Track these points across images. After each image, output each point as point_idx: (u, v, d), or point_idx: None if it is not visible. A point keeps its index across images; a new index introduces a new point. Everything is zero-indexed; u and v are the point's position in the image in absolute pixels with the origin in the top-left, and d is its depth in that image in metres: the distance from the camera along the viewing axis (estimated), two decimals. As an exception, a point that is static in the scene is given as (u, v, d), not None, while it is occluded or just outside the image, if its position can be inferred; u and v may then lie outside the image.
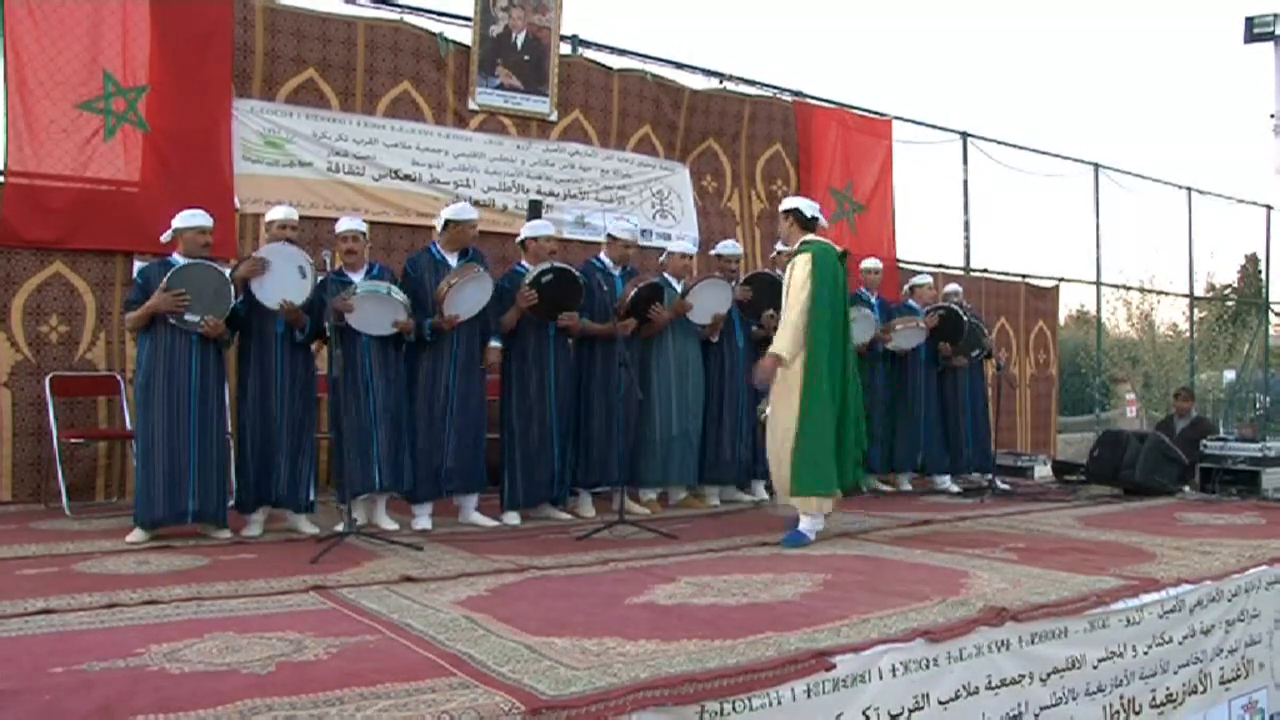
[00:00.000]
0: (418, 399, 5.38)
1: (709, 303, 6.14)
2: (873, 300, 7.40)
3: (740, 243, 7.72)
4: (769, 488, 6.80)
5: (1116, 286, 14.88)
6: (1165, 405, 15.10)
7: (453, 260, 5.43)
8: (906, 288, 8.03)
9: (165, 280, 4.73)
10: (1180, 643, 3.76)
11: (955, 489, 7.47)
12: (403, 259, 7.14)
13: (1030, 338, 11.76)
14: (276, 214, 5.31)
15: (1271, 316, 16.85)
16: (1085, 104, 69.94)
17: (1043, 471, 8.44)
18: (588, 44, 8.56)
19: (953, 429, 7.67)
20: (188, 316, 4.76)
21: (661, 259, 6.66)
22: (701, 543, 4.87)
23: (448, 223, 5.49)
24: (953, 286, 8.13)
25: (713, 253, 6.87)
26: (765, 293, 6.32)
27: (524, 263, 5.76)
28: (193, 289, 4.76)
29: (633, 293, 5.78)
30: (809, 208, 5.14)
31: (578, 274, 5.57)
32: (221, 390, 5.09)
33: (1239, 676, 4.05)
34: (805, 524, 4.90)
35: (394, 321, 5.14)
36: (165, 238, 5.01)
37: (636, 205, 8.64)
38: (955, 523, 5.76)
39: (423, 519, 5.33)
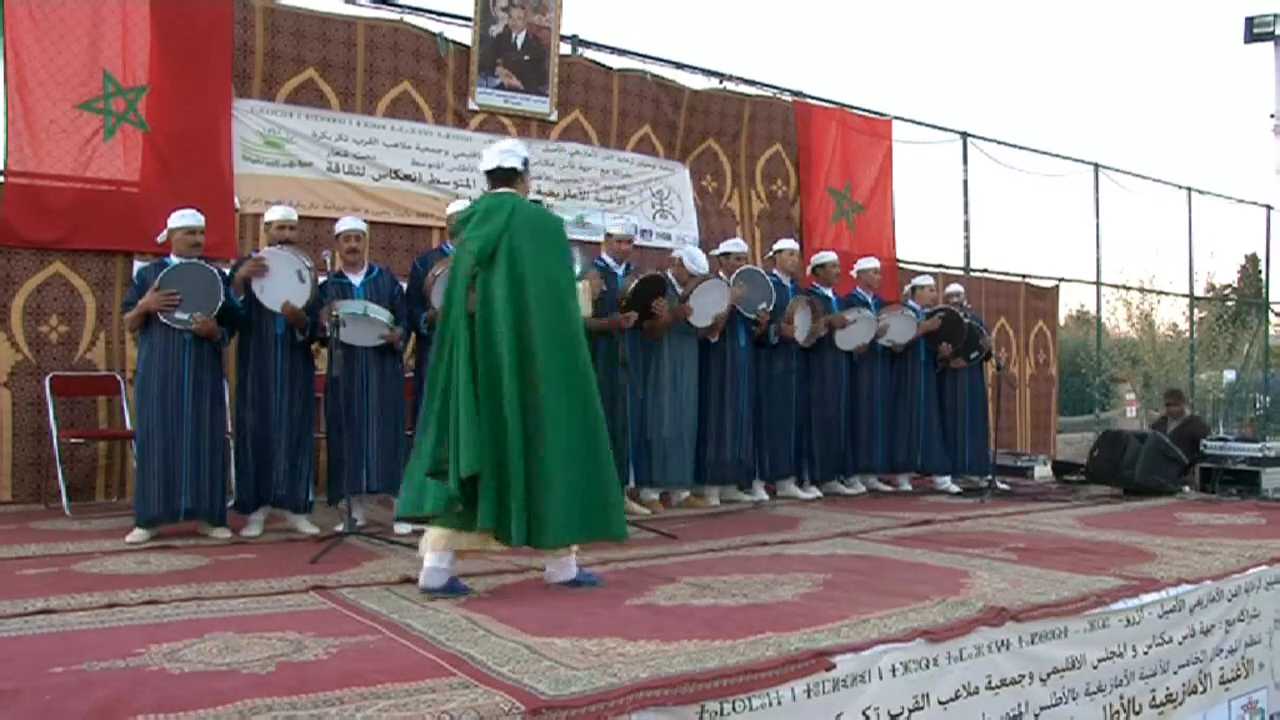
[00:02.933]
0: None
1: (708, 304, 6.14)
2: (869, 300, 7.39)
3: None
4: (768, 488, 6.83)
5: (1116, 286, 14.87)
6: (1163, 406, 15.09)
7: None
8: (907, 289, 8.02)
9: (157, 280, 4.80)
10: (1180, 643, 3.76)
11: (955, 489, 7.47)
12: (403, 259, 7.20)
13: (1030, 338, 11.76)
14: (275, 214, 5.32)
15: (1271, 316, 16.84)
16: (1085, 104, 69.99)
17: (1043, 471, 8.43)
18: (588, 44, 8.56)
19: (952, 430, 7.66)
20: (178, 315, 4.80)
21: (673, 255, 6.60)
22: (701, 543, 4.87)
23: (450, 218, 5.60)
24: (955, 287, 8.12)
25: (716, 253, 6.86)
26: (759, 287, 6.48)
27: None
28: (183, 288, 4.81)
29: (634, 284, 5.78)
30: (491, 159, 3.95)
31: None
32: (219, 390, 5.10)
33: (1239, 676, 4.05)
34: (428, 561, 3.71)
35: (379, 335, 5.18)
36: (160, 238, 5.08)
37: (636, 205, 8.64)
38: (955, 523, 5.75)
39: None
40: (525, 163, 3.97)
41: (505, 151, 3.94)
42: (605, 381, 5.80)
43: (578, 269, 4.00)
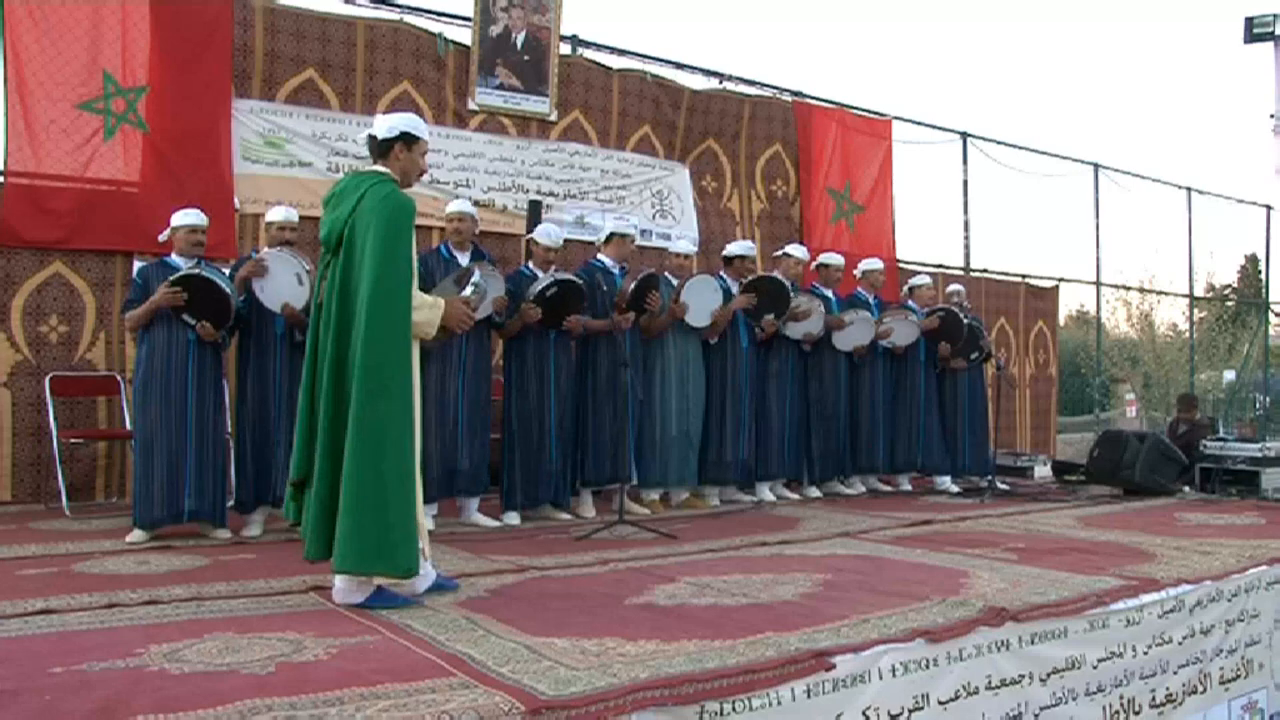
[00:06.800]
0: (427, 401, 5.37)
1: (701, 301, 6.12)
2: (871, 301, 7.38)
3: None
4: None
5: (1116, 286, 14.88)
6: (1165, 405, 15.10)
7: (462, 258, 5.44)
8: (905, 289, 8.02)
9: (168, 283, 4.77)
10: (1180, 643, 3.76)
11: (955, 489, 7.47)
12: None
13: (1030, 338, 11.76)
14: (276, 215, 5.33)
15: (1271, 316, 16.84)
16: (1085, 104, 70.05)
17: (1043, 471, 8.44)
18: (587, 44, 8.56)
19: (952, 430, 7.66)
20: (186, 316, 4.80)
21: (672, 250, 6.56)
22: (701, 543, 4.87)
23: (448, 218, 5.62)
24: (955, 286, 8.13)
25: (725, 254, 6.83)
26: (768, 297, 6.43)
27: (529, 265, 5.81)
28: (194, 298, 4.80)
29: (632, 286, 5.79)
30: (373, 128, 3.57)
31: (580, 283, 5.61)
32: (220, 390, 5.11)
33: (1239, 676, 4.05)
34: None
35: None
36: (162, 237, 5.09)
37: (636, 205, 8.64)
38: (955, 523, 5.75)
39: (424, 519, 5.34)
40: (406, 137, 3.51)
41: (387, 121, 3.53)
42: (607, 381, 5.84)
43: (472, 285, 3.79)
